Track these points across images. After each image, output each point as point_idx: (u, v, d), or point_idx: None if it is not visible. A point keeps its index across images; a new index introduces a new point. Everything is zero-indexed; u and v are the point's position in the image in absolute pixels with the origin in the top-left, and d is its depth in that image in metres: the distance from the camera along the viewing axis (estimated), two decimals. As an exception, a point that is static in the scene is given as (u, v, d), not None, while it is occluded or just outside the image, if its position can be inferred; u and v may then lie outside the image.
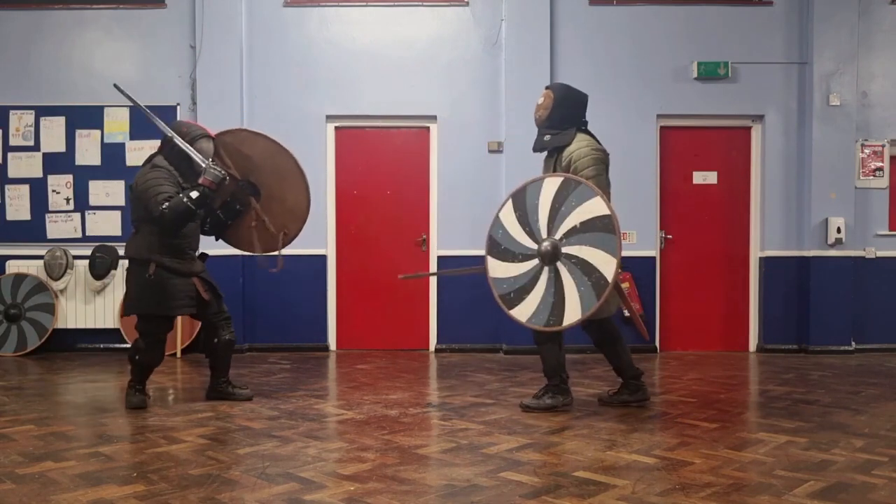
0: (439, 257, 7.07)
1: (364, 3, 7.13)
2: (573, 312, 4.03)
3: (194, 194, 4.36)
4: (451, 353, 7.00)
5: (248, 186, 4.74)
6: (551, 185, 4.15)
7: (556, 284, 4.09)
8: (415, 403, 4.66)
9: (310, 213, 4.82)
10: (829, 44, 7.04)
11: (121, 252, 6.91)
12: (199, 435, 3.81)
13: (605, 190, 4.19)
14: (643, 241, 7.09)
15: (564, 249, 4.08)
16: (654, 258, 7.12)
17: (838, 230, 6.98)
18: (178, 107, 7.06)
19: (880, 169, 7.22)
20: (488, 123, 7.06)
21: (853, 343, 7.06)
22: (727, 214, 7.27)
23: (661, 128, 7.20)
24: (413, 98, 7.09)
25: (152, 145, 7.04)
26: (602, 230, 3.95)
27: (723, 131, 7.27)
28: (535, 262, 4.19)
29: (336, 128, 7.18)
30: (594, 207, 3.99)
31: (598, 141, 4.38)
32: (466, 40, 7.13)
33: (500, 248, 4.34)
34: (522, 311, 4.23)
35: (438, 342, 7.14)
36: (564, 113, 4.34)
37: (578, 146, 4.27)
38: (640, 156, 7.08)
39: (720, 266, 7.26)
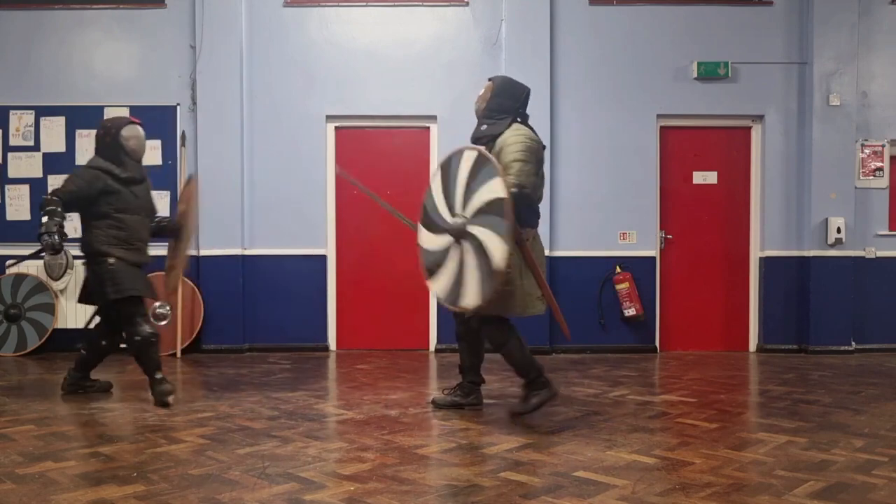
0: (439, 257, 7.06)
1: (364, 3, 7.13)
2: (472, 296, 3.89)
3: (42, 229, 4.41)
4: (451, 353, 6.98)
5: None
6: (469, 158, 4.01)
7: (461, 264, 3.97)
8: (415, 403, 4.66)
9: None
10: (829, 44, 7.03)
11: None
12: (199, 435, 3.81)
13: (529, 179, 4.04)
14: (643, 241, 7.09)
15: (469, 228, 3.94)
16: (654, 258, 7.12)
17: (838, 230, 6.98)
18: (178, 107, 7.06)
19: (880, 169, 7.21)
20: (488, 123, 7.05)
21: (853, 343, 7.06)
22: (727, 214, 7.27)
23: (661, 128, 7.20)
24: (413, 98, 7.09)
25: (152, 145, 7.08)
26: (496, 213, 3.79)
27: (723, 131, 7.27)
28: (448, 237, 4.07)
29: (336, 128, 7.18)
30: (494, 188, 3.82)
31: (534, 132, 4.27)
32: (466, 40, 7.12)
33: (429, 217, 4.23)
34: (438, 287, 4.13)
35: (438, 342, 7.14)
36: (501, 102, 4.29)
37: (511, 134, 4.17)
38: (640, 156, 7.09)
39: (720, 266, 7.26)
